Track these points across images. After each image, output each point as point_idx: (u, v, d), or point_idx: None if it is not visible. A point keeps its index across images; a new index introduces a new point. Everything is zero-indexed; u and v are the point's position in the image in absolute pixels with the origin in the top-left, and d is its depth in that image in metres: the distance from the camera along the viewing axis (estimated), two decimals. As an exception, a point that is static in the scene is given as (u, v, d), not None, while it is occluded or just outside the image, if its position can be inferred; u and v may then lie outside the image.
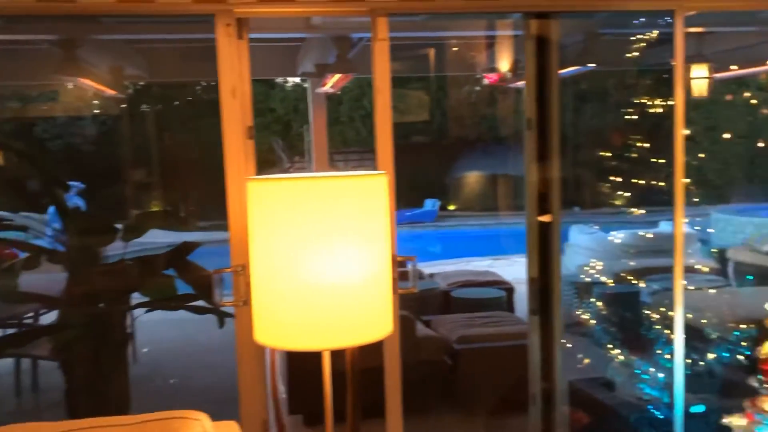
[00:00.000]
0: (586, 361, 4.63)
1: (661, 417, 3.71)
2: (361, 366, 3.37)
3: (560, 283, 3.16)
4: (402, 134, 16.83)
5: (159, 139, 13.95)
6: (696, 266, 6.86)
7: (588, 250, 8.84)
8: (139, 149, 12.61)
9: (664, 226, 9.65)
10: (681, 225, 3.24)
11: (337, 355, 2.83)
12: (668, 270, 6.81)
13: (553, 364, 3.13)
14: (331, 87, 5.95)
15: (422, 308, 5.37)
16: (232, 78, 2.69)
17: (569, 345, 5.00)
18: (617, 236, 8.65)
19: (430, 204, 16.16)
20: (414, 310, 5.06)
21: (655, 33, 4.32)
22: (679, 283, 3.26)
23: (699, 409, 3.85)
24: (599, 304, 5.74)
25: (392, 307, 2.80)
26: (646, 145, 5.33)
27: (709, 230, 9.36)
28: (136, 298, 3.95)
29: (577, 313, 5.95)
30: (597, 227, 9.44)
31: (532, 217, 3.17)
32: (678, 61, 3.12)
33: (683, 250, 8.77)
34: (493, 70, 6.58)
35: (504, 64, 6.22)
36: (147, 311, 3.95)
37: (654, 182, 4.61)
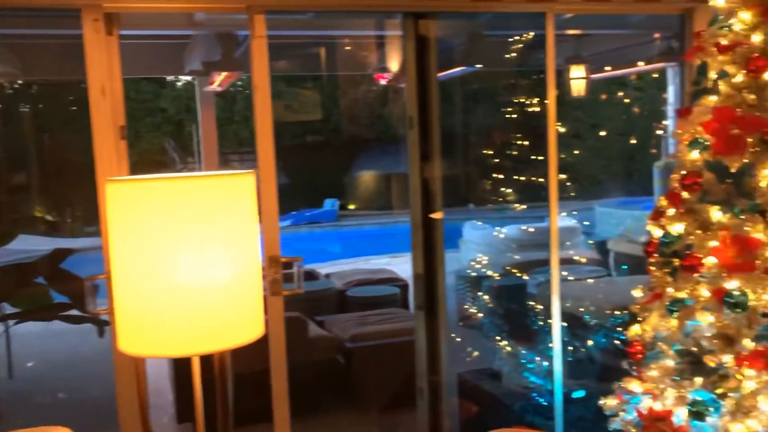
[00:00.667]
0: (476, 353, 4.75)
1: (545, 404, 3.85)
2: (249, 369, 3.31)
3: (445, 279, 3.22)
4: (298, 133, 16.70)
5: (39, 141, 13.17)
6: (575, 257, 7.21)
7: (480, 246, 9.09)
8: (17, 151, 11.87)
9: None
10: (555, 219, 3.38)
11: (258, 357, 2.77)
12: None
13: (440, 358, 3.19)
14: (219, 85, 5.81)
15: (317, 308, 5.35)
16: (101, 76, 2.56)
17: (458, 339, 5.14)
18: (506, 232, 8.95)
19: (330, 204, 16.14)
20: (308, 311, 5.02)
21: (531, 34, 4.49)
22: (556, 274, 3.40)
23: (580, 394, 4.04)
24: (488, 297, 5.92)
25: (276, 309, 2.80)
26: (526, 143, 5.54)
27: (585, 222, 9.81)
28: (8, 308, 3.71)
29: (466, 307, 6.11)
30: (488, 224, 9.71)
31: (416, 214, 3.22)
32: (549, 62, 3.25)
33: (569, 243, 9.13)
34: (384, 69, 6.64)
35: (394, 63, 6.29)
36: (16, 323, 3.71)
37: (533, 178, 4.79)
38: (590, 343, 4.59)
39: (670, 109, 5.08)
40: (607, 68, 6.66)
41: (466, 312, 6.07)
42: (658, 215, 2.60)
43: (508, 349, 4.63)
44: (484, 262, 7.85)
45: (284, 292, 2.81)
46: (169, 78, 16.12)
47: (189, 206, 1.47)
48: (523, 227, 8.67)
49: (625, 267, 7.20)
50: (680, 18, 3.49)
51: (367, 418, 4.15)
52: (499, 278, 6.27)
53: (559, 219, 10.71)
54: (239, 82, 13.08)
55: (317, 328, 4.62)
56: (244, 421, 3.48)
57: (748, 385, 2.15)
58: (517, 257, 7.14)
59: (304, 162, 16.37)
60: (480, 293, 6.06)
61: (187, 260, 1.47)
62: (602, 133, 15.61)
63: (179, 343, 1.49)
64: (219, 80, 5.58)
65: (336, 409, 4.26)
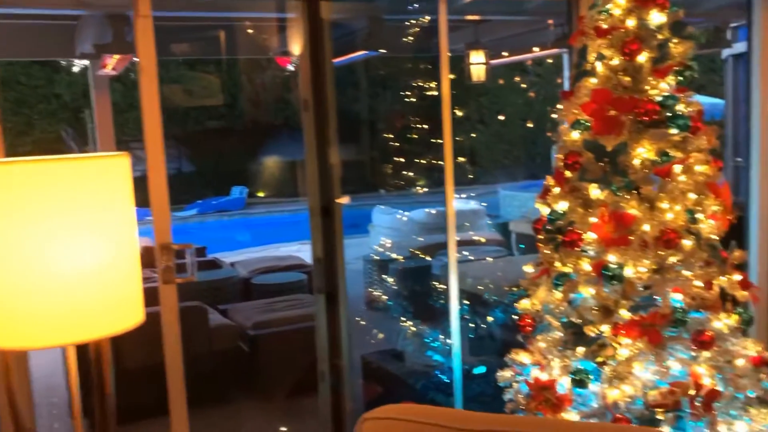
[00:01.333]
0: (381, 336, 4.81)
1: (447, 381, 3.95)
2: (145, 362, 3.22)
3: (344, 264, 3.22)
4: (203, 119, 16.25)
5: None
6: (476, 238, 7.40)
7: (388, 230, 9.19)
8: None
9: (457, 203, 10.32)
10: (452, 203, 3.44)
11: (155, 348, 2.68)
12: (458, 244, 7.24)
13: (340, 341, 3.20)
14: (112, 69, 5.57)
15: (220, 297, 5.25)
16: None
17: (363, 323, 5.17)
18: (413, 215, 9.09)
19: (238, 191, 15.85)
20: (210, 300, 4.93)
21: (427, 18, 4.54)
22: (453, 255, 3.47)
23: (480, 370, 4.17)
24: (393, 280, 5.99)
25: (169, 298, 2.73)
26: (426, 127, 5.62)
27: (483, 204, 10.05)
28: None
29: (370, 290, 6.15)
30: (395, 208, 9.83)
31: (314, 200, 3.20)
32: (442, 46, 3.30)
33: (474, 225, 9.32)
34: (286, 53, 6.55)
35: (296, 47, 6.21)
36: None
37: (436, 161, 4.86)
38: (490, 319, 4.73)
39: (565, 94, 5.26)
40: (504, 54, 6.83)
41: (373, 295, 6.12)
42: (545, 194, 2.70)
43: (413, 329, 4.71)
44: (392, 245, 7.94)
45: (177, 281, 2.73)
46: (64, 62, 15.33)
47: (55, 189, 1.40)
48: (429, 211, 8.83)
49: (522, 246, 7.46)
50: (567, 3, 3.61)
51: (271, 404, 4.13)
52: (404, 261, 6.36)
53: (465, 202, 11.03)
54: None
55: (219, 317, 4.54)
56: (142, 415, 3.39)
57: (623, 353, 2.27)
58: (422, 240, 7.26)
59: (211, 149, 15.99)
60: (387, 276, 6.13)
61: (55, 246, 1.40)
62: (501, 118, 16.03)
63: (48, 334, 1.42)
64: (112, 63, 5.34)
65: (240, 397, 4.21)
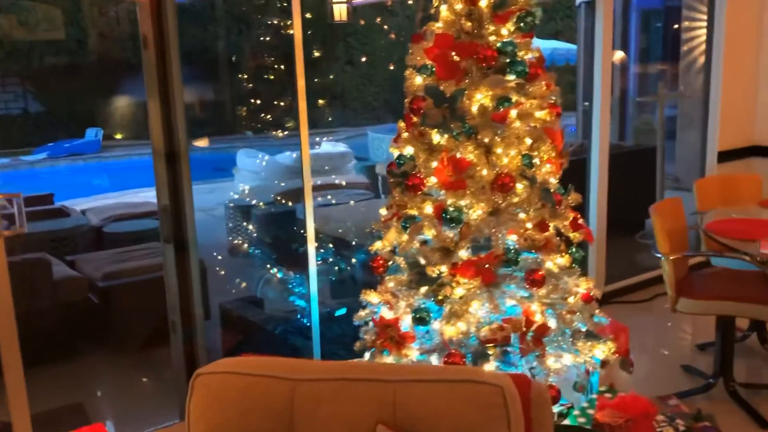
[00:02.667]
0: (243, 284, 4.75)
1: (308, 324, 3.98)
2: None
3: (194, 210, 3.11)
4: (49, 54, 14.96)
5: None
6: (338, 181, 7.42)
7: (254, 174, 9.02)
8: None
9: (325, 146, 10.26)
10: (307, 146, 3.39)
11: None
12: (323, 188, 7.23)
13: (192, 291, 3.12)
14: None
15: (68, 248, 4.96)
16: None
17: (223, 272, 5.09)
18: (280, 159, 8.94)
19: (93, 134, 14.87)
20: (57, 251, 4.65)
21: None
22: (309, 199, 3.45)
23: (341, 311, 4.23)
24: (256, 226, 5.90)
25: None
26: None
27: (346, 148, 10.08)
28: None
29: (232, 238, 6.04)
30: (261, 152, 9.63)
31: (157, 142, 3.04)
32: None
33: (343, 168, 9.30)
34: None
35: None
36: None
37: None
38: (354, 261, 4.79)
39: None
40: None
41: (235, 243, 6.02)
42: (397, 138, 2.72)
43: (276, 276, 4.68)
44: (256, 190, 7.80)
45: (5, 234, 2.54)
46: None
47: None
48: (294, 154, 8.73)
49: (385, 192, 7.58)
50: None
51: (124, 356, 3.99)
52: (268, 207, 6.27)
53: (332, 145, 10.95)
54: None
55: (66, 269, 4.28)
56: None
57: (459, 292, 2.38)
58: (286, 185, 7.18)
59: (62, 87, 14.81)
60: (250, 223, 6.02)
61: None
62: (363, 59, 15.98)
63: None
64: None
65: (90, 351, 4.04)
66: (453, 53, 2.48)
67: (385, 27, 14.98)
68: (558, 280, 2.49)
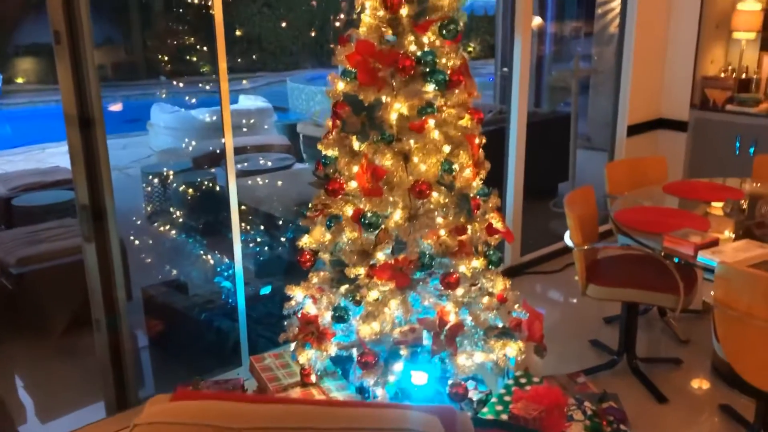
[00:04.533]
0: (166, 265, 4.67)
1: (234, 305, 4.00)
2: None
3: (111, 182, 3.01)
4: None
5: None
6: (258, 143, 7.27)
7: (170, 130, 8.72)
8: None
9: (243, 101, 10.00)
10: (228, 118, 3.29)
11: None
12: (242, 151, 7.06)
13: (113, 274, 3.06)
14: None
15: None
16: None
17: (143, 255, 4.97)
18: (197, 114, 8.66)
19: (-10, 78, 13.91)
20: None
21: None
22: (232, 173, 3.38)
23: (266, 290, 4.26)
24: (173, 197, 5.73)
25: None
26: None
27: (261, 101, 9.84)
28: None
29: (149, 209, 5.87)
30: (177, 104, 9.29)
31: (70, 108, 2.89)
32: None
33: (259, 127, 9.12)
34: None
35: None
36: None
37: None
38: (282, 239, 4.78)
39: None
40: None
41: (153, 213, 5.87)
42: (326, 136, 2.73)
43: (205, 257, 4.61)
44: (172, 153, 7.57)
45: None
46: None
47: None
48: (212, 110, 8.48)
49: (309, 156, 7.53)
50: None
51: (44, 343, 3.90)
52: (187, 174, 6.11)
53: (251, 99, 10.62)
54: None
55: (-26, 253, 4.11)
56: None
57: (374, 295, 2.48)
58: (201, 146, 6.99)
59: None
60: (167, 192, 5.86)
61: None
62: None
63: None
64: None
65: (5, 339, 3.94)
66: (374, 60, 2.48)
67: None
68: (474, 281, 2.62)
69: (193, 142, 7.23)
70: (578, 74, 5.64)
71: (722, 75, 5.25)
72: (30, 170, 6.52)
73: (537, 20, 7.73)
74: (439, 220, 2.54)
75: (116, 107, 8.92)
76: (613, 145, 5.28)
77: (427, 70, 2.48)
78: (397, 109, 2.46)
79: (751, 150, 4.89)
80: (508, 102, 4.67)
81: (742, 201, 3.40)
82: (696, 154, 5.25)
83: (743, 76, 5.19)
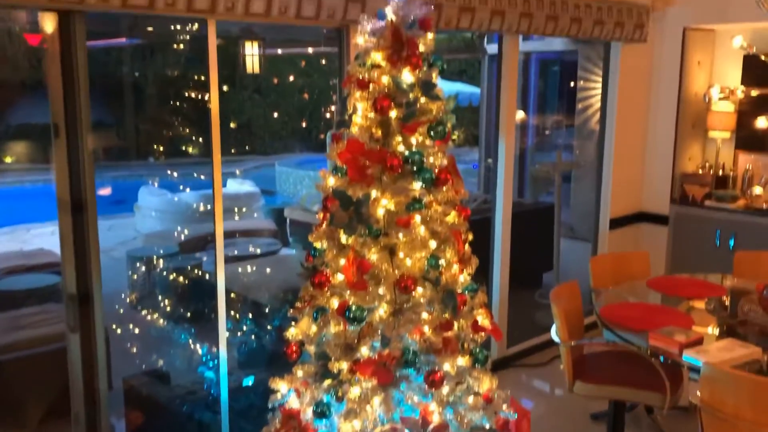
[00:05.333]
0: (150, 353, 4.61)
1: (216, 396, 3.92)
2: None
3: (100, 268, 3.01)
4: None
5: None
6: (248, 227, 7.31)
7: (157, 213, 8.76)
8: None
9: (231, 185, 10.11)
10: (220, 200, 3.34)
11: None
12: (228, 236, 7.05)
13: (96, 365, 3.02)
14: None
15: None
16: None
17: (119, 331, 4.89)
18: (186, 198, 8.73)
19: (-22, 158, 13.99)
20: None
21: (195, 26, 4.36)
22: (221, 260, 3.40)
23: (249, 380, 4.19)
24: (158, 283, 5.71)
25: None
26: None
27: (254, 188, 9.97)
28: None
29: (134, 295, 5.84)
30: (165, 188, 9.37)
31: (63, 191, 2.93)
32: (212, 62, 3.22)
33: (247, 211, 9.15)
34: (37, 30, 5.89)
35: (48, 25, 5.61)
36: None
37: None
38: (269, 328, 4.73)
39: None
40: (279, 51, 6.81)
41: (138, 298, 5.82)
42: (317, 227, 2.76)
43: (189, 345, 4.55)
44: (159, 236, 7.57)
45: None
46: None
47: None
48: (200, 194, 8.55)
49: (295, 237, 7.55)
50: (338, 32, 3.68)
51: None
52: (173, 258, 6.10)
53: (239, 182, 10.72)
54: None
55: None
56: None
57: (355, 392, 2.46)
58: (188, 232, 7.00)
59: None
60: (153, 277, 5.84)
61: None
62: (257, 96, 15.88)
63: None
64: None
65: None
66: (364, 158, 2.56)
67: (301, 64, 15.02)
68: (460, 380, 2.60)
69: (181, 228, 7.25)
70: (561, 167, 5.79)
71: (700, 171, 5.42)
72: (13, 252, 6.49)
73: (520, 114, 7.99)
74: (425, 315, 2.55)
75: (105, 191, 8.98)
76: (596, 237, 5.37)
77: (415, 168, 2.56)
78: (384, 205, 2.52)
79: (731, 243, 4.99)
80: (492, 192, 4.77)
81: (725, 298, 3.45)
82: (677, 247, 5.34)
83: (720, 172, 5.36)
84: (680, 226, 5.31)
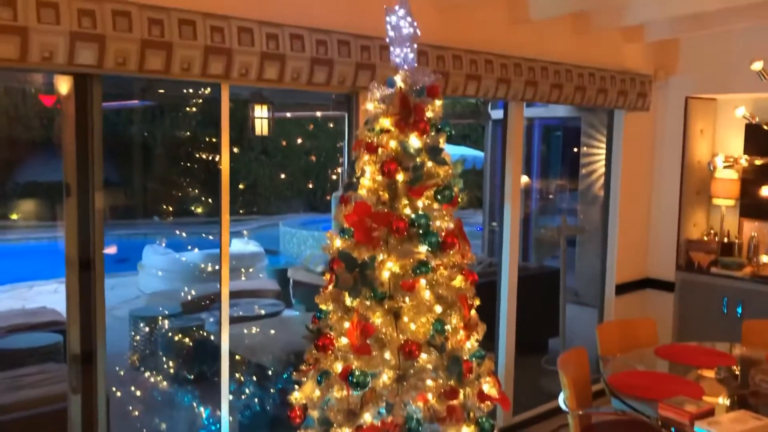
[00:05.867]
0: (157, 420, 4.51)
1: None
2: None
3: (105, 329, 2.99)
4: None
5: None
6: (252, 288, 7.26)
7: (162, 272, 8.75)
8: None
9: (235, 244, 10.12)
10: (227, 262, 3.33)
11: None
12: (235, 296, 7.02)
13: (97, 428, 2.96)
14: None
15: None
16: None
17: (120, 394, 4.81)
18: (190, 257, 8.72)
19: (-16, 215, 14.08)
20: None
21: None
22: (226, 316, 3.37)
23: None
24: (161, 344, 5.64)
25: None
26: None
27: (261, 249, 9.98)
28: None
29: (136, 356, 5.77)
30: (169, 247, 9.39)
31: (72, 250, 2.93)
32: (224, 124, 3.28)
33: (253, 270, 9.10)
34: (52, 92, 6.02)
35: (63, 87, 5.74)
36: None
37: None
38: (271, 391, 4.64)
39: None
40: (288, 114, 6.94)
41: (140, 359, 5.75)
42: (324, 289, 2.75)
43: (191, 407, 4.45)
44: (162, 296, 7.53)
45: None
46: None
47: None
48: (203, 253, 8.54)
49: (298, 299, 7.50)
50: (347, 97, 3.76)
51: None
52: (176, 319, 6.05)
53: (244, 243, 10.70)
54: None
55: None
56: None
57: None
58: (193, 292, 6.96)
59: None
60: (155, 337, 5.78)
61: None
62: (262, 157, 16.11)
63: None
64: None
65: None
66: (370, 221, 2.57)
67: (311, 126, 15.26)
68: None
69: (185, 287, 7.23)
70: (566, 231, 5.80)
71: (705, 238, 5.42)
72: (15, 311, 6.45)
73: (524, 178, 8.03)
74: (429, 382, 2.50)
75: (111, 249, 8.97)
76: (602, 303, 5.33)
77: (421, 231, 2.56)
78: (389, 267, 2.51)
79: (739, 310, 4.95)
80: (497, 256, 4.76)
81: (734, 367, 3.39)
82: (684, 314, 5.29)
83: (725, 239, 5.36)
84: (686, 292, 5.28)
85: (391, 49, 2.63)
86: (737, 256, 5.29)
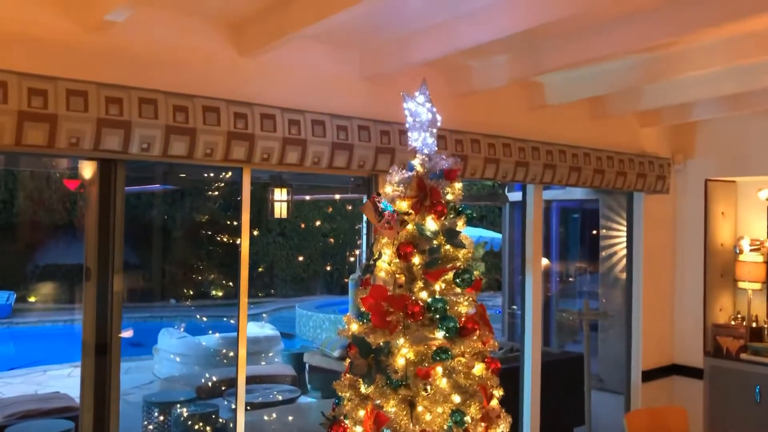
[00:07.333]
0: None
1: None
2: None
3: (119, 415, 2.91)
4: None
5: None
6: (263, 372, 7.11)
7: (177, 356, 8.64)
8: None
9: (251, 328, 10.02)
10: (244, 346, 3.28)
11: None
12: (250, 381, 6.90)
13: None
14: None
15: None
16: None
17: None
18: (206, 342, 8.63)
19: (4, 297, 14.16)
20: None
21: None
22: (241, 409, 3.28)
23: None
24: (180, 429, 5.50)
25: None
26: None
27: (269, 328, 9.87)
28: None
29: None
30: (186, 331, 9.30)
31: (88, 335, 2.88)
32: (245, 206, 3.31)
33: (266, 356, 8.99)
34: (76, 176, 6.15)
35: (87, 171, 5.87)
36: None
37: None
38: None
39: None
40: (306, 197, 7.00)
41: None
42: (343, 376, 2.67)
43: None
44: (176, 380, 7.40)
45: None
46: None
47: None
48: (218, 335, 8.45)
49: (314, 385, 7.33)
50: (366, 180, 3.79)
51: None
52: (190, 403, 5.90)
53: (259, 326, 10.59)
54: None
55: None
56: None
57: None
58: (207, 376, 6.83)
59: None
60: (168, 423, 5.64)
61: None
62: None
63: None
64: None
65: None
66: (386, 305, 2.51)
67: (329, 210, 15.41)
68: None
69: (199, 372, 7.12)
70: (588, 316, 5.68)
71: (732, 323, 5.28)
72: (28, 396, 6.35)
73: (544, 261, 7.96)
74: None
75: (127, 333, 8.93)
76: (628, 390, 5.15)
77: (438, 316, 2.49)
78: (403, 354, 2.43)
79: (772, 399, 4.76)
80: (518, 341, 4.65)
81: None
82: (715, 402, 5.08)
83: (753, 324, 5.21)
84: (716, 380, 5.09)
85: (409, 134, 2.65)
86: (767, 342, 5.12)
